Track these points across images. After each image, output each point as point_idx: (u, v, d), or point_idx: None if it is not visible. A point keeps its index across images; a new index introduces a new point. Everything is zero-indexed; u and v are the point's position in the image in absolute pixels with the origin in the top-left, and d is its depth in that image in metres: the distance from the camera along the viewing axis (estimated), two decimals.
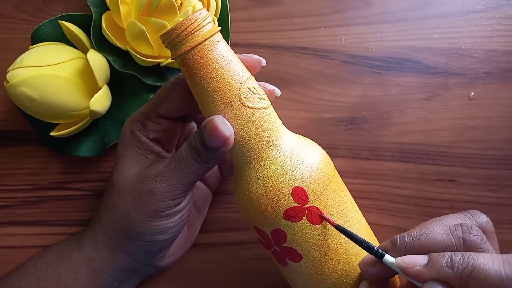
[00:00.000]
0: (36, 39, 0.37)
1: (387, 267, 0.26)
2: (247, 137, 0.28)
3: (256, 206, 0.28)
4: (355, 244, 0.28)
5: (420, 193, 0.39)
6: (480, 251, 0.24)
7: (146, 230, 0.31)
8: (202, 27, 0.27)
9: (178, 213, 0.31)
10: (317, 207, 0.28)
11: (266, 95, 0.29)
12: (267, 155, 0.28)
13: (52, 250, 0.34)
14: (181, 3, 0.34)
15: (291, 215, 0.28)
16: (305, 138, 0.31)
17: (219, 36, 0.28)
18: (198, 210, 0.37)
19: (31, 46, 0.36)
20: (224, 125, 0.27)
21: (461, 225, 0.25)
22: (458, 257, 0.23)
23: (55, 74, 0.33)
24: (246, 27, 0.40)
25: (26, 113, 0.35)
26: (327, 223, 0.28)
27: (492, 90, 0.40)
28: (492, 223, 0.27)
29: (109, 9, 0.36)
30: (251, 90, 0.28)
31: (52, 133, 0.36)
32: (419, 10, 0.40)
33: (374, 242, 0.31)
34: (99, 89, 0.35)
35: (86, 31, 0.36)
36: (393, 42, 0.40)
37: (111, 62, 0.36)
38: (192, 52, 0.27)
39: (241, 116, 0.28)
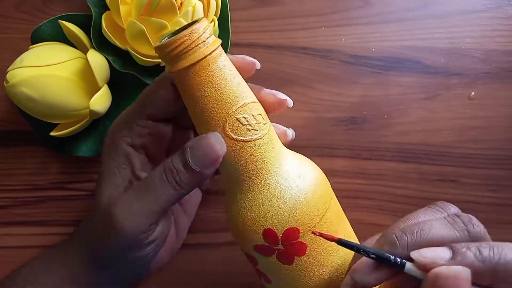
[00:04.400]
0: (36, 39, 0.37)
1: (386, 273, 0.22)
2: (230, 167, 0.27)
3: (232, 231, 0.28)
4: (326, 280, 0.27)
5: (420, 193, 0.39)
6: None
7: (122, 260, 0.30)
8: (188, 51, 0.25)
9: (153, 242, 0.29)
10: (288, 249, 0.26)
11: (262, 123, 0.26)
12: (249, 188, 0.27)
13: (36, 265, 0.33)
14: (181, 3, 0.34)
15: (260, 251, 0.27)
16: (303, 171, 0.27)
17: (213, 58, 0.25)
18: (186, 210, 0.36)
19: (31, 46, 0.36)
20: (219, 141, 0.25)
21: (458, 216, 0.23)
22: (485, 248, 0.21)
23: (55, 74, 0.33)
24: (246, 27, 0.40)
25: (26, 113, 0.35)
26: (299, 262, 0.27)
27: (492, 90, 0.40)
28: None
29: (109, 9, 0.35)
30: (240, 121, 0.26)
31: (52, 133, 0.35)
32: (419, 10, 0.40)
33: None
34: (99, 89, 0.34)
35: (86, 31, 0.36)
36: (394, 42, 0.40)
37: (111, 62, 0.36)
38: (178, 75, 0.26)
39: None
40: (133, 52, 0.35)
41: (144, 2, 0.33)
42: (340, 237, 0.25)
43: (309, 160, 0.30)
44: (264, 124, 0.27)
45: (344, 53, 0.40)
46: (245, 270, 0.38)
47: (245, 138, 0.26)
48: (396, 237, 0.22)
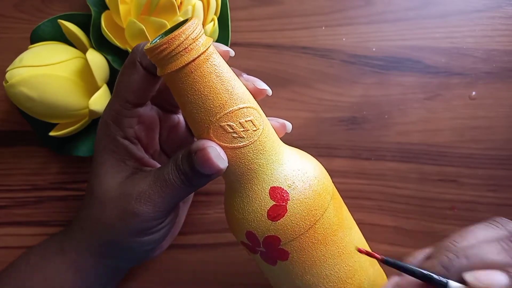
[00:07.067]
0: (36, 38, 0.37)
1: None
2: None
3: (227, 222, 0.29)
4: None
5: (421, 193, 0.39)
6: None
7: (132, 245, 0.30)
8: (170, 57, 0.24)
9: (164, 227, 0.31)
10: (269, 253, 0.27)
11: (251, 130, 0.25)
12: (238, 188, 0.27)
13: (35, 253, 0.33)
14: (181, 2, 0.34)
15: (246, 247, 0.28)
16: (296, 179, 0.27)
17: (196, 65, 0.24)
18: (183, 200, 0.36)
19: (30, 46, 0.36)
20: (219, 159, 0.25)
21: None
22: None
23: (54, 73, 0.33)
24: (247, 26, 0.40)
25: (25, 113, 0.35)
26: (282, 265, 0.27)
27: (493, 90, 0.39)
28: None
29: (108, 9, 0.35)
30: (224, 128, 0.25)
31: (51, 133, 0.35)
32: (420, 9, 0.40)
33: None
34: (99, 88, 0.34)
35: (86, 30, 0.36)
36: (394, 42, 0.40)
37: (110, 61, 0.36)
38: (164, 78, 0.25)
39: None
40: None
41: (144, 2, 0.33)
42: (345, 241, 0.27)
43: (310, 159, 0.29)
44: (254, 130, 0.25)
45: (344, 53, 0.40)
46: (245, 270, 0.38)
47: (230, 145, 0.25)
48: (449, 260, 0.22)
